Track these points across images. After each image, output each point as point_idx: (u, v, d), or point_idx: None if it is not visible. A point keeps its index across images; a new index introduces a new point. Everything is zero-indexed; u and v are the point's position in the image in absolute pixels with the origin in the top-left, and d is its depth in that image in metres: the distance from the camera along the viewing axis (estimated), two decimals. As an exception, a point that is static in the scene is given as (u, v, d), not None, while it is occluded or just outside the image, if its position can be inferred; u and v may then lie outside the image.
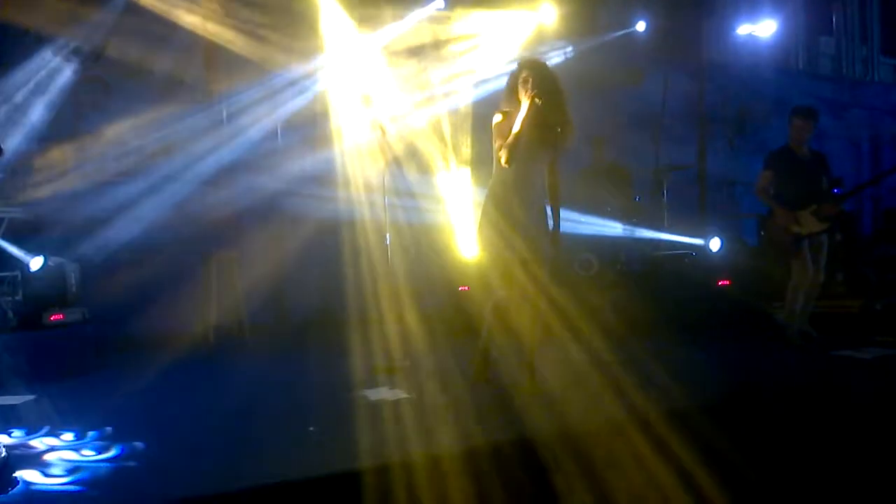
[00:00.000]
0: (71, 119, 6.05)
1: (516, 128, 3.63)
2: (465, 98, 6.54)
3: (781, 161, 5.19)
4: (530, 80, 3.70)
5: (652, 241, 7.02)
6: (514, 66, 3.88)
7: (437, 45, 6.54)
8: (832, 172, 5.41)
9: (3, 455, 2.72)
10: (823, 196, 5.11)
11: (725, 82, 8.86)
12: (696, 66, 8.61)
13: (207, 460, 2.89)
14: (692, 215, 7.87)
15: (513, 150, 3.64)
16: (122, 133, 6.18)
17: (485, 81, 6.43)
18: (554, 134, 3.82)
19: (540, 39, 6.84)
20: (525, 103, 3.66)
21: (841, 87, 10.38)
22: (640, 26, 7.93)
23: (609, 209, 6.84)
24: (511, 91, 3.80)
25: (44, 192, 5.74)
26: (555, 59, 7.18)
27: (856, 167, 10.11)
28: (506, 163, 3.66)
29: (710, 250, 6.88)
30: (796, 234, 5.07)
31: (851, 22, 10.89)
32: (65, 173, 5.99)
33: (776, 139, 5.58)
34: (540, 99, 3.64)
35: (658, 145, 7.90)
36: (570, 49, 7.43)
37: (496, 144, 3.74)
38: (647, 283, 6.74)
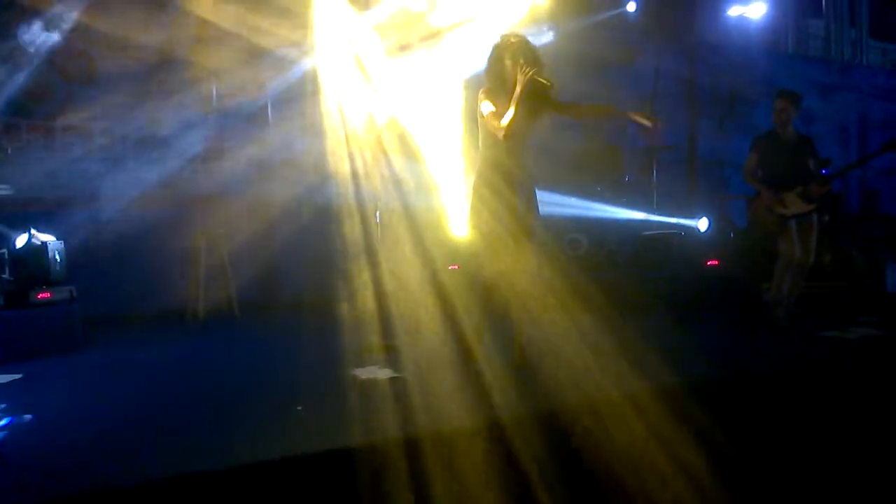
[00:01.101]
0: (57, 95, 5.96)
1: (512, 104, 3.62)
2: (456, 79, 6.51)
3: (767, 144, 5.23)
4: (522, 56, 3.68)
5: (641, 221, 7.04)
6: (497, 43, 3.86)
7: (427, 26, 6.49)
8: (819, 154, 5.44)
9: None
10: (809, 177, 5.14)
11: (716, 63, 8.86)
12: (687, 46, 8.59)
13: (195, 438, 2.89)
14: (681, 196, 7.90)
15: (510, 127, 3.64)
16: (108, 110, 6.11)
17: (475, 63, 6.38)
18: (540, 109, 3.81)
19: (532, 20, 6.79)
20: (519, 79, 3.64)
21: (830, 69, 10.41)
22: (631, 7, 7.90)
23: (599, 189, 6.85)
24: (495, 67, 3.78)
25: (29, 168, 5.69)
26: (545, 39, 7.14)
27: (844, 149, 10.16)
28: (504, 138, 3.66)
29: (699, 230, 6.93)
30: (781, 214, 5.12)
31: (840, 4, 10.90)
32: (51, 150, 5.93)
33: (766, 121, 5.60)
34: (548, 81, 3.64)
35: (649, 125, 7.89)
36: (561, 29, 7.39)
37: (487, 122, 3.73)
38: (635, 262, 6.78)
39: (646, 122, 3.73)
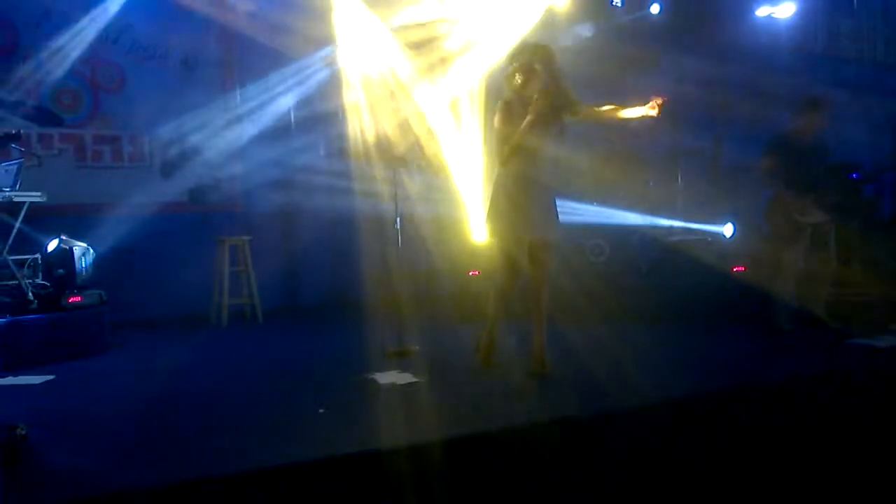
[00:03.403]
0: (89, 102, 6.12)
1: (531, 115, 3.63)
2: (476, 84, 6.52)
3: (787, 147, 5.11)
4: (545, 63, 3.69)
5: (666, 226, 6.98)
6: (514, 51, 3.88)
7: (448, 31, 6.52)
8: (852, 157, 5.35)
9: (22, 433, 2.79)
10: (825, 186, 5.06)
11: (743, 65, 8.73)
12: (713, 48, 8.48)
13: (220, 440, 2.95)
14: (707, 201, 7.80)
15: (530, 133, 3.66)
16: (139, 117, 6.26)
17: (495, 68, 6.40)
18: (559, 119, 3.81)
19: (552, 23, 6.78)
20: (536, 98, 3.65)
21: (862, 69, 10.18)
22: (655, 9, 7.83)
23: (623, 195, 6.80)
24: (515, 74, 3.79)
25: (61, 175, 5.85)
26: (568, 42, 7.12)
27: (876, 152, 9.92)
28: (510, 153, 3.69)
29: (724, 236, 6.84)
30: (799, 222, 5.05)
31: (873, 2, 10.65)
32: (82, 157, 6.08)
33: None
34: (564, 86, 3.65)
35: (674, 130, 7.81)
36: (583, 33, 7.37)
37: (506, 131, 3.74)
38: (660, 268, 6.72)
39: (651, 113, 3.66)
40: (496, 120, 3.82)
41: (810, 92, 5.51)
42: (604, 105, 3.82)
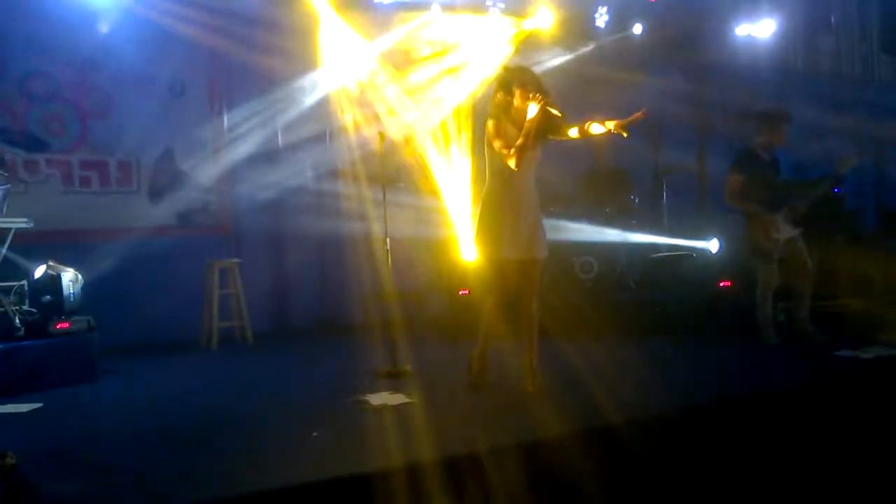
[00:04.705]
0: (75, 128, 6.12)
1: (524, 132, 3.68)
2: (462, 104, 6.60)
3: (752, 165, 5.19)
4: (532, 85, 3.75)
5: (651, 243, 7.03)
6: (502, 73, 3.95)
7: (432, 52, 6.60)
8: (829, 171, 5.45)
9: (12, 462, 2.76)
10: (789, 199, 5.14)
11: (725, 83, 8.87)
12: (694, 67, 8.62)
13: (211, 465, 2.93)
14: (692, 217, 7.88)
15: (522, 155, 3.69)
16: (126, 142, 6.26)
17: (481, 89, 6.48)
18: (544, 136, 3.86)
19: (536, 44, 6.88)
20: (532, 108, 3.69)
21: (841, 85, 10.36)
22: (637, 29, 7.96)
23: (608, 212, 6.86)
24: (503, 97, 3.84)
25: (47, 201, 5.82)
26: (551, 63, 7.23)
27: (856, 166, 10.07)
28: (516, 167, 3.71)
29: (710, 252, 6.90)
30: (775, 239, 5.13)
31: (851, 19, 10.86)
32: (70, 182, 6.06)
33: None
34: (560, 113, 3.69)
35: (658, 147, 7.91)
36: (566, 53, 7.48)
37: (496, 149, 3.78)
38: (646, 284, 6.77)
39: (624, 133, 3.69)
40: (486, 141, 3.87)
41: (768, 107, 5.61)
42: (587, 122, 3.86)
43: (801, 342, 5.21)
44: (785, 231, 5.16)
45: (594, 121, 3.73)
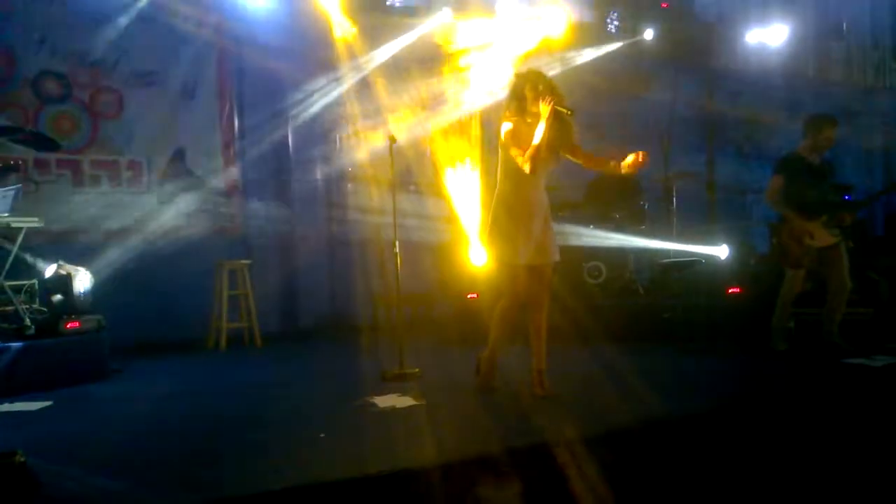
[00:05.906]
0: (87, 128, 6.16)
1: (538, 136, 3.68)
2: (473, 109, 6.61)
3: (795, 168, 5.05)
4: (548, 89, 3.75)
5: (660, 249, 7.02)
6: (515, 77, 3.95)
7: (444, 56, 6.61)
8: (844, 179, 5.37)
9: (21, 460, 2.77)
10: (836, 206, 5.05)
11: (735, 89, 8.85)
12: (705, 73, 8.61)
13: (219, 465, 2.93)
14: (701, 223, 7.86)
15: (536, 159, 3.69)
16: (137, 142, 6.29)
17: (492, 93, 6.49)
18: (558, 148, 3.87)
19: (547, 49, 6.88)
20: (543, 109, 3.70)
21: (852, 93, 10.33)
22: (648, 34, 7.96)
23: (618, 217, 6.85)
24: (517, 101, 3.85)
25: (58, 201, 5.86)
26: (561, 68, 7.23)
27: (868, 175, 10.04)
28: (531, 172, 3.71)
29: (719, 258, 6.87)
30: (808, 245, 5.01)
31: (862, 27, 10.82)
32: (80, 182, 6.10)
33: (787, 146, 5.56)
34: (569, 110, 3.70)
35: (667, 153, 7.90)
36: (577, 58, 7.48)
37: (511, 153, 3.78)
38: (655, 290, 6.75)
39: (632, 169, 3.77)
40: (499, 144, 3.87)
41: (817, 111, 5.48)
42: (596, 158, 3.93)
43: (810, 350, 5.16)
44: (821, 239, 5.00)
45: (602, 161, 3.83)
